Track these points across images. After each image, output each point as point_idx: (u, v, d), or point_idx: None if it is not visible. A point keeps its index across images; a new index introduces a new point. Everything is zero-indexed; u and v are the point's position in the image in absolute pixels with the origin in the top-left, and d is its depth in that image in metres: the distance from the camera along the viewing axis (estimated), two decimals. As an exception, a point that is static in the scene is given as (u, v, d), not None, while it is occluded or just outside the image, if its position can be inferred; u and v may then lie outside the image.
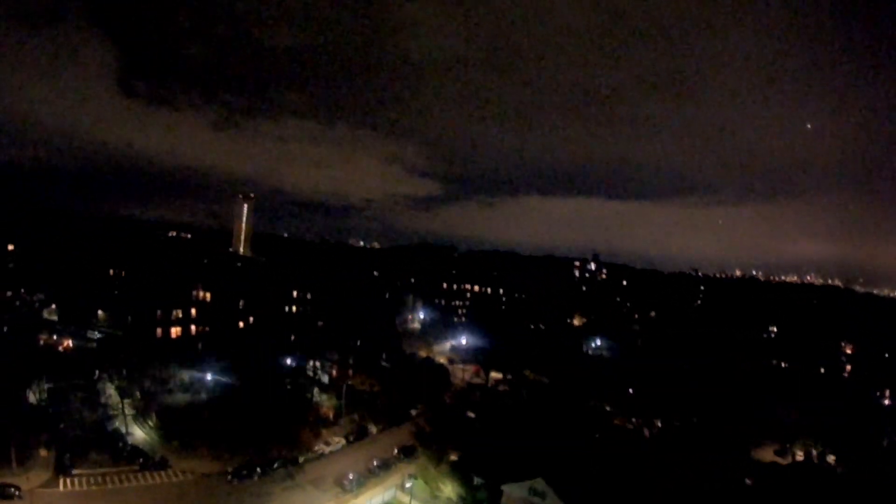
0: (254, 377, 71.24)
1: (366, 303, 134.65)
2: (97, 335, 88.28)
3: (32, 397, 59.91)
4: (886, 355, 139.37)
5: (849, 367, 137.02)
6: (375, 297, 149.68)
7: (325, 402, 77.25)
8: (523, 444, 55.57)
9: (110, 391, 65.33)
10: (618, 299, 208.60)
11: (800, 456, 73.88)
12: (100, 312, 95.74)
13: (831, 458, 72.56)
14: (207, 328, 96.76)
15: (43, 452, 52.51)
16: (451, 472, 53.49)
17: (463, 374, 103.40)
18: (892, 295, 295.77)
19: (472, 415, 76.04)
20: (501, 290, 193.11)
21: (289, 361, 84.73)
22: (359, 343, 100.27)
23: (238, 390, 68.52)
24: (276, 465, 58.14)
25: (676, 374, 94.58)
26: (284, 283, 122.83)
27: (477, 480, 53.12)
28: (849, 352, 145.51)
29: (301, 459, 60.97)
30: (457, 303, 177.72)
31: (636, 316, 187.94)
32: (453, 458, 57.70)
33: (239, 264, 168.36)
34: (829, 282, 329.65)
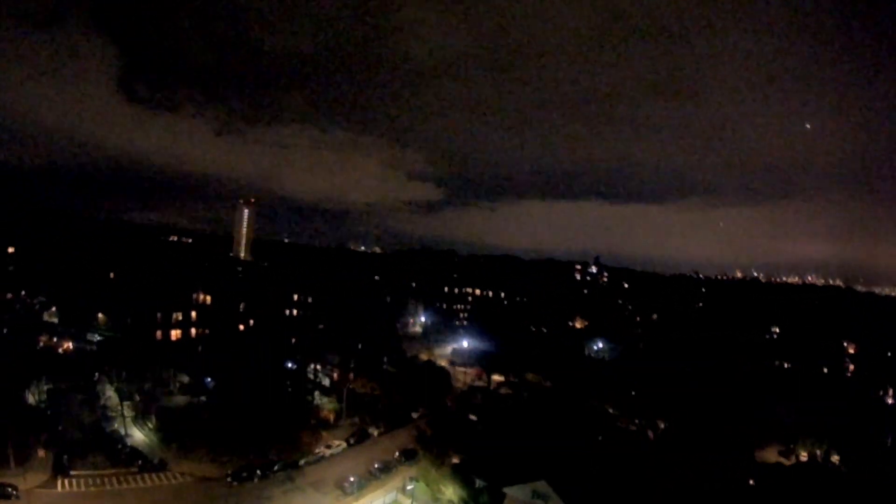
0: (254, 379, 70.84)
1: (367, 306, 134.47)
2: (97, 337, 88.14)
3: (31, 398, 59.77)
4: (889, 354, 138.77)
5: (851, 367, 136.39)
6: (376, 300, 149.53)
7: (326, 405, 76.89)
8: (525, 447, 55.06)
9: (109, 393, 65.08)
10: (619, 302, 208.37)
11: (803, 456, 73.31)
12: (100, 315, 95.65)
13: (835, 458, 72.21)
14: (207, 331, 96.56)
15: (41, 453, 52.25)
16: (452, 475, 52.96)
17: (464, 376, 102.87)
18: (893, 294, 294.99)
19: (473, 417, 75.54)
20: (503, 294, 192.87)
21: (289, 364, 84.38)
22: (360, 346, 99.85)
23: (238, 393, 68.09)
24: (276, 468, 57.67)
25: (678, 375, 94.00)
26: (285, 287, 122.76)
27: (479, 483, 52.57)
28: (851, 351, 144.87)
29: (301, 462, 60.45)
30: (458, 306, 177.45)
31: (637, 318, 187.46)
32: (455, 460, 57.21)
33: (239, 268, 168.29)
34: (830, 282, 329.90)
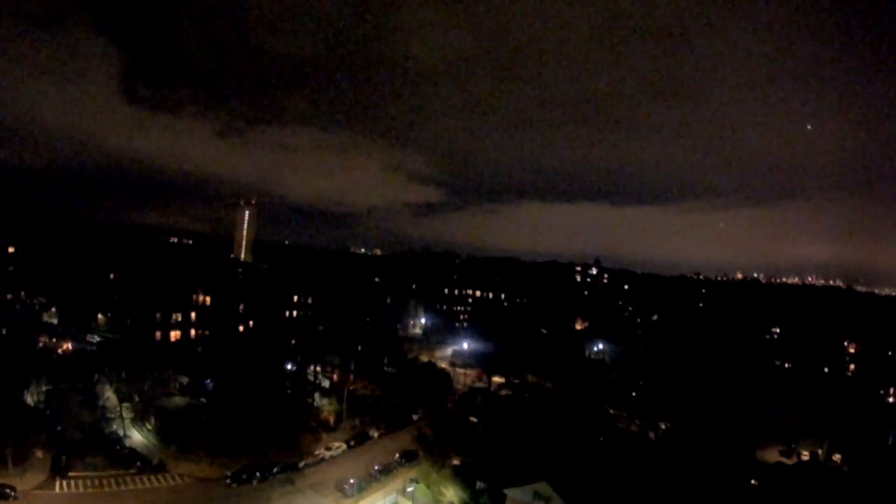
0: (253, 381, 70.55)
1: (367, 308, 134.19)
2: (96, 338, 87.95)
3: (30, 399, 59.57)
4: (889, 354, 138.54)
5: (852, 367, 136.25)
6: (377, 302, 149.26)
7: (326, 407, 76.58)
8: (526, 448, 54.80)
9: (109, 394, 64.75)
10: (619, 303, 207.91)
11: (805, 456, 73.21)
12: (100, 316, 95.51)
13: (837, 458, 72.09)
14: (207, 332, 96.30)
15: (39, 454, 52.05)
16: (453, 477, 52.70)
17: (465, 378, 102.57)
18: (893, 294, 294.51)
19: (474, 419, 75.22)
20: (503, 295, 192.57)
21: (289, 366, 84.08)
22: (360, 348, 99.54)
23: (237, 394, 67.79)
24: (275, 470, 57.36)
25: (679, 376, 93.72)
26: (285, 288, 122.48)
27: (480, 485, 52.29)
28: (852, 351, 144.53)
29: (301, 464, 60.17)
30: (459, 308, 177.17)
31: (638, 320, 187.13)
32: (455, 462, 56.97)
33: (239, 269, 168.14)
34: (831, 282, 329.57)
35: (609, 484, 49.48)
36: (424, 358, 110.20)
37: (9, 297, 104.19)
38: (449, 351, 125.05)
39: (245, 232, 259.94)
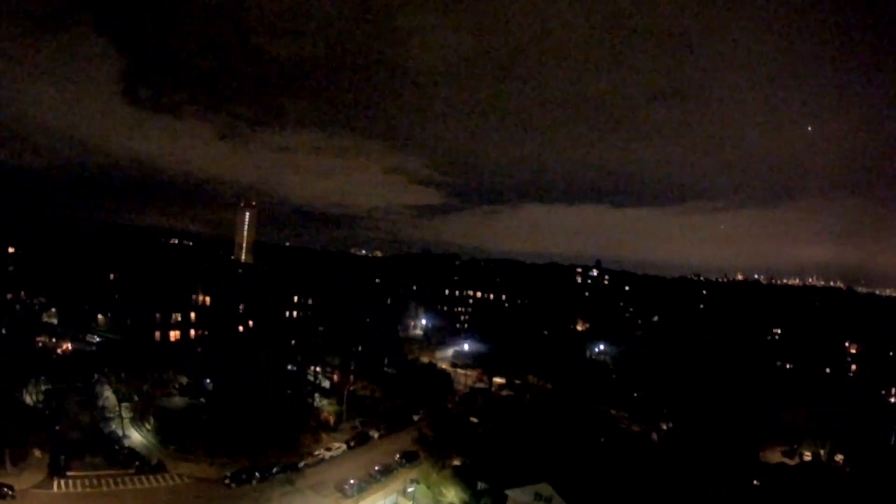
0: (253, 381, 70.25)
1: (368, 309, 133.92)
2: (96, 338, 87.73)
3: (29, 398, 59.27)
4: (891, 354, 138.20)
5: (854, 368, 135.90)
6: (377, 303, 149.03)
7: (326, 407, 76.30)
8: (528, 449, 54.46)
9: (108, 394, 64.55)
10: (620, 304, 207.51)
11: (807, 456, 73.03)
12: (99, 316, 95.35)
13: (839, 458, 71.93)
14: (207, 332, 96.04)
15: (37, 453, 51.95)
16: (453, 477, 52.37)
17: (466, 379, 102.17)
18: (894, 295, 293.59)
19: (475, 419, 74.85)
20: (504, 297, 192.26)
21: (289, 366, 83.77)
22: (360, 348, 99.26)
23: (237, 394, 67.50)
24: (275, 470, 57.08)
25: (680, 377, 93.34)
26: (285, 289, 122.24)
27: (481, 485, 51.98)
28: (853, 352, 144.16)
29: (301, 464, 59.90)
30: (459, 309, 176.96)
31: (639, 321, 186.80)
32: (456, 462, 56.65)
33: (239, 270, 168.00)
34: (831, 284, 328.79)
35: (610, 485, 49.14)
36: (425, 359, 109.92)
37: (9, 297, 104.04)
38: (449, 352, 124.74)
39: (245, 233, 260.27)
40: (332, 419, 74.01)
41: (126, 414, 63.93)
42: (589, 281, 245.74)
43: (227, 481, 53.88)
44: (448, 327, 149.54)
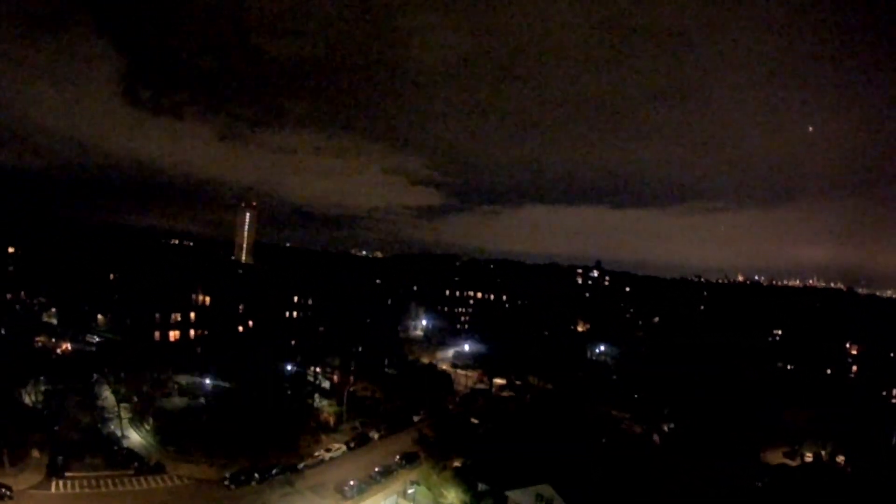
0: (253, 382, 70.10)
1: (368, 310, 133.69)
2: (96, 339, 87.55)
3: (28, 398, 59.10)
4: (892, 355, 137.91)
5: (854, 368, 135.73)
6: (377, 304, 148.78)
7: (326, 408, 76.10)
8: (528, 450, 54.25)
9: (107, 394, 64.33)
10: (621, 305, 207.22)
11: (809, 457, 72.95)
12: (99, 316, 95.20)
13: (840, 459, 71.87)
14: (206, 332, 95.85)
15: (36, 453, 51.70)
16: (454, 479, 52.16)
17: (466, 380, 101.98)
18: (895, 296, 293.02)
19: (475, 420, 74.68)
20: (504, 298, 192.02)
21: (289, 367, 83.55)
22: (361, 349, 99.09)
23: (237, 395, 67.37)
24: (274, 472, 56.81)
25: (682, 378, 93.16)
26: (285, 289, 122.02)
27: (481, 486, 51.75)
28: (854, 353, 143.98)
29: (300, 466, 59.62)
30: (459, 310, 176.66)
31: (640, 322, 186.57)
32: (456, 464, 56.42)
33: (239, 271, 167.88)
34: (832, 285, 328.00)
35: (612, 486, 48.90)
36: (425, 359, 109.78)
37: (9, 297, 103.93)
38: (450, 352, 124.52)
39: (245, 234, 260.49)
40: (331, 420, 73.75)
41: (125, 414, 63.62)
42: (589, 282, 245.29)
43: (226, 482, 53.58)
44: (448, 328, 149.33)
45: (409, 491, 55.92)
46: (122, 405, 63.50)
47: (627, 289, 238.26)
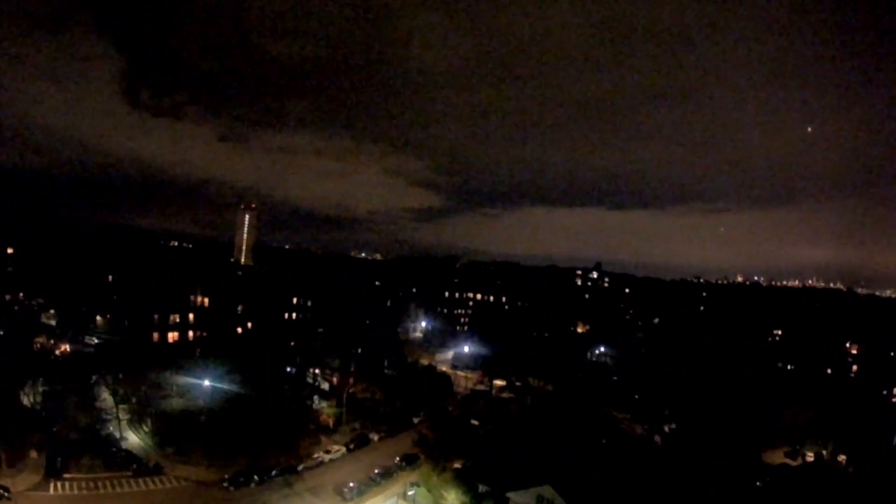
0: (252, 383, 69.82)
1: (367, 311, 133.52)
2: (95, 340, 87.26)
3: (26, 400, 58.89)
4: (892, 355, 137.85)
5: (855, 368, 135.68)
6: (377, 305, 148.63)
7: (326, 410, 75.89)
8: (529, 451, 54.06)
9: (105, 395, 64.10)
10: (621, 306, 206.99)
11: (810, 457, 72.96)
12: (98, 318, 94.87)
13: (841, 459, 71.92)
14: (205, 333, 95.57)
15: (34, 455, 51.56)
16: (454, 480, 51.98)
17: (466, 381, 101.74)
18: (894, 296, 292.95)
19: (475, 422, 74.50)
20: (504, 299, 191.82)
21: (288, 368, 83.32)
22: (360, 350, 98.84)
23: (235, 396, 67.06)
24: (273, 473, 56.66)
25: (682, 379, 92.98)
26: (284, 290, 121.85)
27: (482, 488, 51.54)
28: (854, 353, 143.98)
29: (300, 467, 59.42)
30: (459, 311, 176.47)
31: (639, 323, 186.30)
32: (457, 465, 56.23)
33: (239, 272, 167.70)
34: (831, 285, 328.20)
35: (613, 487, 48.70)
36: (425, 361, 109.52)
37: (7, 297, 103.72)
38: (450, 354, 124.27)
39: (245, 235, 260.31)
40: (331, 421, 73.51)
41: (124, 416, 63.42)
42: (589, 283, 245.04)
43: (225, 484, 53.41)
44: (448, 329, 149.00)
45: (409, 493, 55.62)
46: (121, 406, 63.30)
47: (627, 290, 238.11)
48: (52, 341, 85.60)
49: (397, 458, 63.67)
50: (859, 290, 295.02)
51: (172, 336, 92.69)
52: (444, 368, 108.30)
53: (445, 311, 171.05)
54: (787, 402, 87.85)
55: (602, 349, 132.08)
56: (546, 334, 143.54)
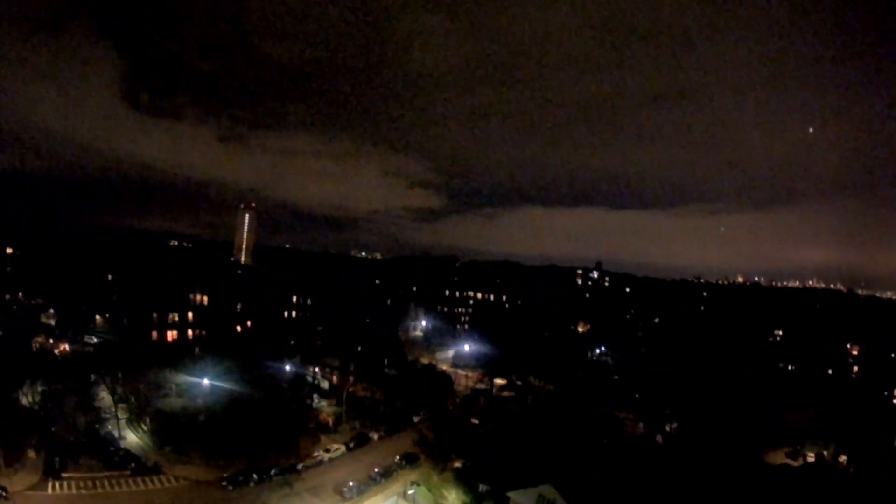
0: (251, 382, 69.61)
1: (367, 310, 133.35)
2: (94, 339, 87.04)
3: (25, 399, 58.71)
4: (893, 356, 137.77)
5: (855, 369, 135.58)
6: (377, 304, 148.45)
7: (326, 409, 75.78)
8: (530, 451, 53.81)
9: (104, 395, 63.89)
10: (621, 306, 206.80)
11: (811, 457, 72.81)
12: (97, 317, 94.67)
13: (843, 459, 71.86)
14: (204, 332, 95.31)
15: (32, 454, 51.39)
16: (454, 479, 51.83)
17: (466, 380, 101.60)
18: (895, 297, 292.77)
19: (476, 421, 74.29)
20: (504, 298, 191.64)
21: (288, 367, 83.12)
22: (360, 349, 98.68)
23: (235, 395, 66.81)
24: (273, 473, 56.43)
25: (682, 379, 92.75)
26: (284, 289, 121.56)
27: (482, 487, 51.33)
28: (855, 353, 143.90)
29: (299, 467, 59.20)
30: (459, 310, 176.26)
31: (640, 323, 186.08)
32: (457, 464, 56.11)
33: (238, 271, 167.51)
34: (832, 286, 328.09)
35: (614, 487, 48.45)
36: (425, 360, 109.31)
37: (7, 297, 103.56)
38: (450, 353, 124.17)
39: (245, 236, 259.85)
40: (331, 421, 73.31)
41: (122, 415, 63.31)
42: (589, 283, 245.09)
43: (224, 483, 53.19)
44: (448, 328, 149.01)
45: (410, 492, 55.43)
46: (120, 406, 63.19)
47: (627, 290, 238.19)
48: (51, 341, 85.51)
49: (397, 458, 63.47)
50: (860, 291, 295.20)
51: (171, 335, 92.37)
52: (444, 367, 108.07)
53: (446, 310, 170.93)
54: (788, 403, 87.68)
55: (602, 349, 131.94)
56: (546, 334, 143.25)
